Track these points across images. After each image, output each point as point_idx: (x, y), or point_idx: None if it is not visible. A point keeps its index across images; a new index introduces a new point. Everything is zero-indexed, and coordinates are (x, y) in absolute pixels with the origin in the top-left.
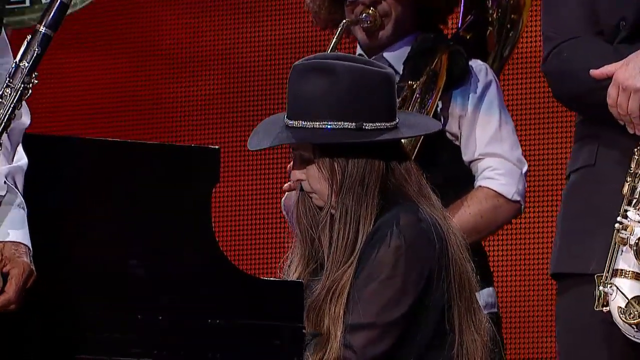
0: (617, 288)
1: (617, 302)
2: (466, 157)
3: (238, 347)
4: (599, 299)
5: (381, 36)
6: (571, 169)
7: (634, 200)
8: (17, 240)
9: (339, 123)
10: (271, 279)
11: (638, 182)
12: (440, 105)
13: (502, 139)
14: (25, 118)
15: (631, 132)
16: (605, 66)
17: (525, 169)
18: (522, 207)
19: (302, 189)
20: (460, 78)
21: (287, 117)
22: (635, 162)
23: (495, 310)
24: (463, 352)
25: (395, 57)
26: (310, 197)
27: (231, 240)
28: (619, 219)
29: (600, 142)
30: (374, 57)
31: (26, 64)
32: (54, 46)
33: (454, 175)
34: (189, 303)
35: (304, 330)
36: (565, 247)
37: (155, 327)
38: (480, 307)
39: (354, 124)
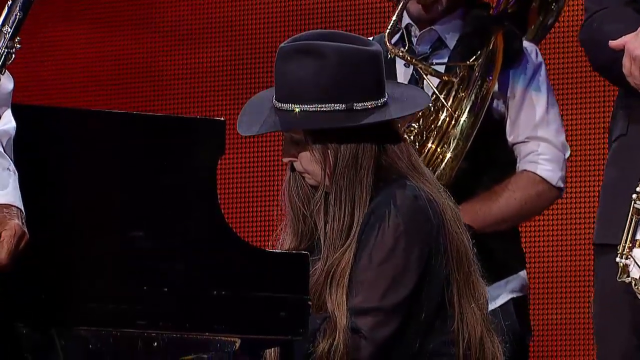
0: (634, 260)
1: (634, 274)
2: (511, 139)
3: (244, 319)
4: (621, 270)
5: (436, 9)
6: (610, 139)
7: None
8: (8, 203)
9: (329, 105)
10: (277, 250)
11: None
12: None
13: (549, 122)
14: (8, 83)
15: None
16: (622, 37)
17: (567, 154)
18: (562, 193)
19: (293, 169)
20: (513, 59)
21: (275, 98)
22: None
23: (523, 293)
24: (463, 326)
25: (446, 30)
26: (303, 177)
27: (237, 212)
28: (638, 189)
29: (631, 112)
30: (424, 30)
31: (8, 29)
32: (57, 19)
33: (497, 155)
34: (194, 274)
35: (309, 302)
36: (602, 217)
37: (160, 298)
38: (480, 280)
39: (343, 105)
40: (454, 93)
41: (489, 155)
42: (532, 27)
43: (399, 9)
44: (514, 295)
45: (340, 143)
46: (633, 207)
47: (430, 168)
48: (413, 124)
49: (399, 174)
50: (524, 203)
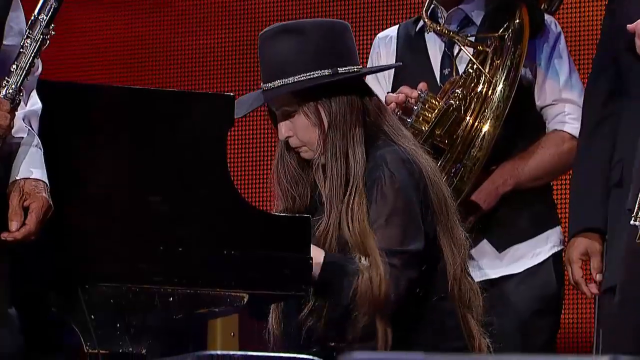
0: None
1: None
2: (539, 102)
3: (251, 276)
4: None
5: None
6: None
7: None
8: (37, 178)
9: (316, 72)
10: (281, 214)
11: None
12: None
13: (573, 86)
14: (38, 67)
15: None
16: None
17: None
18: None
19: (288, 148)
20: (537, 30)
21: (263, 83)
22: None
23: (561, 247)
24: (442, 267)
25: (472, 8)
26: (299, 152)
27: (244, 179)
28: None
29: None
30: (452, 10)
31: (44, 17)
32: (76, 3)
33: (527, 119)
34: (206, 236)
35: (311, 262)
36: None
37: (176, 257)
38: (458, 225)
39: (329, 70)
40: (489, 62)
41: (520, 120)
42: (543, 5)
43: None
44: (555, 250)
45: (330, 101)
46: None
47: (473, 133)
48: (457, 90)
49: (383, 131)
50: (557, 158)
